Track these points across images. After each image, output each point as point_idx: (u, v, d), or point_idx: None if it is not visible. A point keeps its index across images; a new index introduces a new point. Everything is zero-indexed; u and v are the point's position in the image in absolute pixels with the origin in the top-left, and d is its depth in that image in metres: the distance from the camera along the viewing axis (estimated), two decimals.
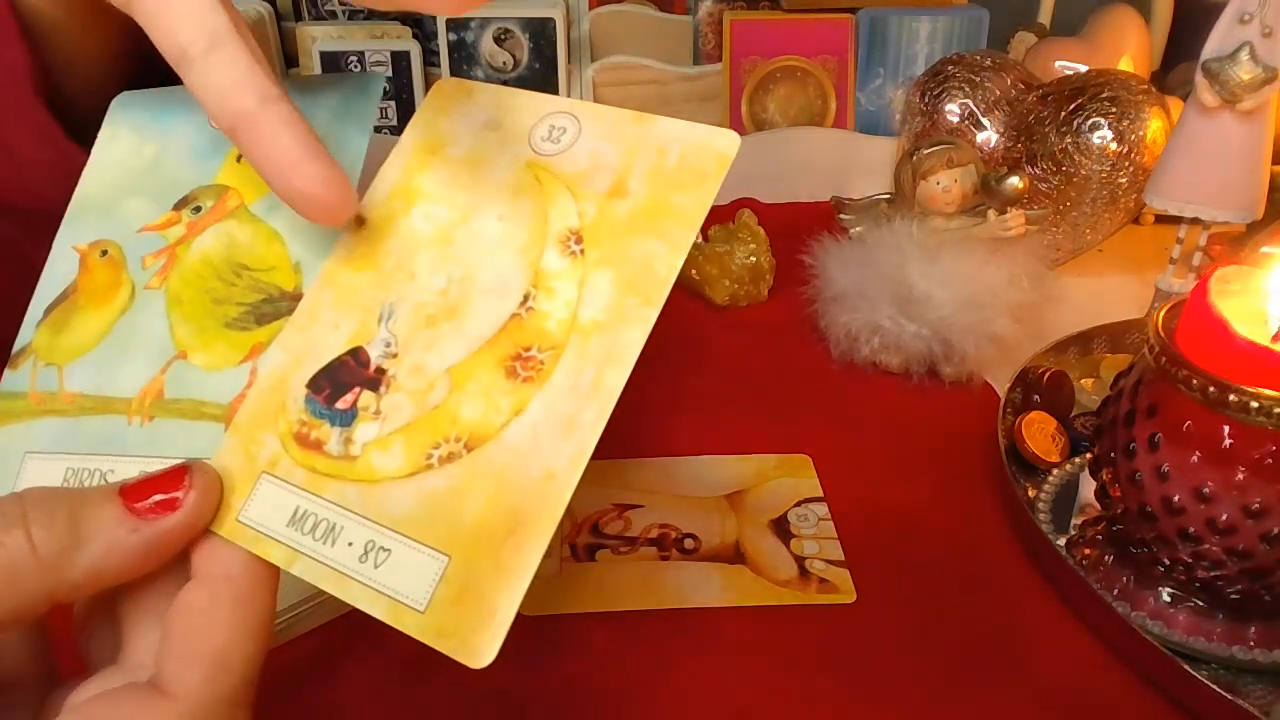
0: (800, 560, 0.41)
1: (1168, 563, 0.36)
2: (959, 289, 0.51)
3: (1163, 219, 0.69)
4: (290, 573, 0.21)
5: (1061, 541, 0.42)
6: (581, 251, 0.22)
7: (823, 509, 0.45)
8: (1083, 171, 0.60)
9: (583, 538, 0.43)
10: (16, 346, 0.26)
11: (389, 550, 0.20)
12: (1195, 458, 0.34)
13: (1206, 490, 0.33)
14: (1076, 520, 0.44)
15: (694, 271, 0.63)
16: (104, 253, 0.26)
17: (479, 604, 0.19)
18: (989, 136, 0.65)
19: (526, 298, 0.22)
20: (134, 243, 0.26)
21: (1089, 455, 0.43)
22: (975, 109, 0.66)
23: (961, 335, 0.52)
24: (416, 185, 0.25)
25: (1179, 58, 0.82)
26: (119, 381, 0.25)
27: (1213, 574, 0.35)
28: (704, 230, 0.64)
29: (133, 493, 0.20)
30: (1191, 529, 0.34)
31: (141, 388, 0.24)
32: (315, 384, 0.23)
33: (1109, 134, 0.60)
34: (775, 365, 0.57)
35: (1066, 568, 0.39)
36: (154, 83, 0.28)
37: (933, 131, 0.66)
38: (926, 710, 0.35)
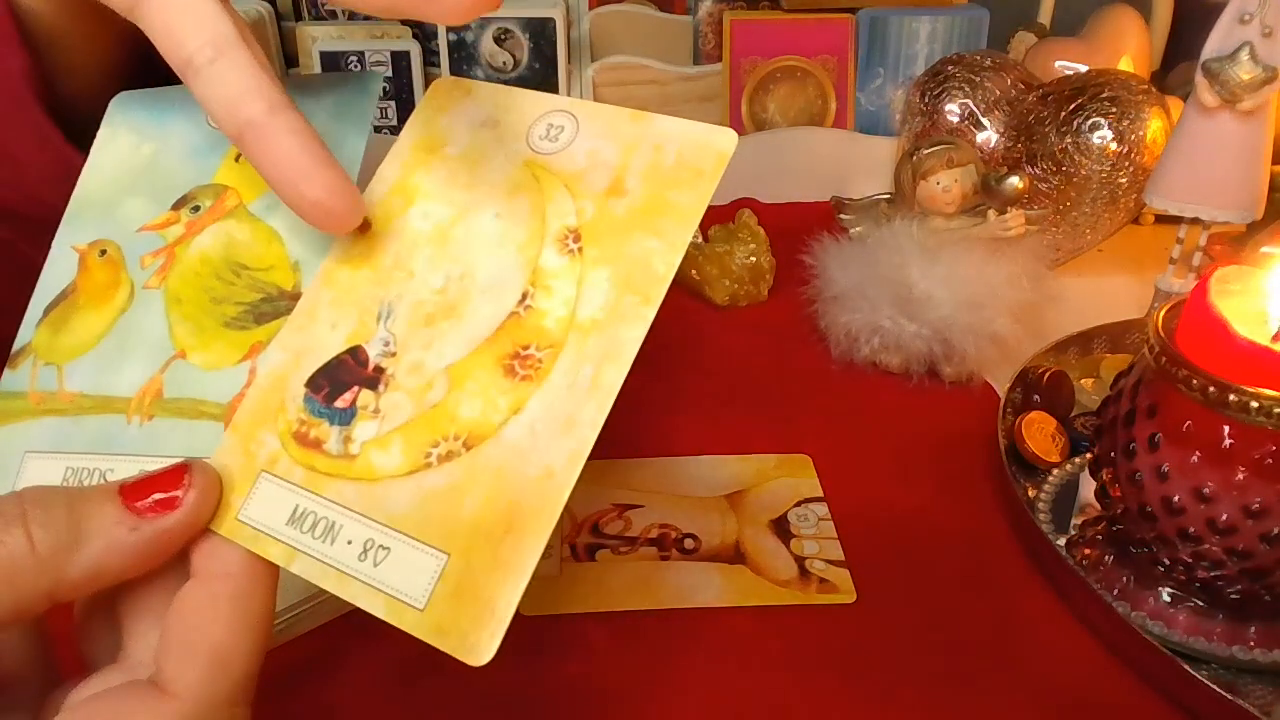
0: (800, 560, 0.41)
1: (1168, 563, 0.36)
2: (959, 289, 0.51)
3: (1163, 219, 0.69)
4: (290, 571, 0.21)
5: (1061, 541, 0.42)
6: (579, 250, 0.22)
7: (823, 509, 0.45)
8: (1083, 171, 0.60)
9: (583, 538, 0.43)
10: (16, 346, 0.26)
11: (388, 548, 0.21)
12: (1195, 458, 0.34)
13: (1206, 490, 0.33)
14: (1076, 520, 0.44)
15: (694, 271, 0.63)
16: (103, 252, 0.26)
17: (478, 602, 0.19)
18: (989, 136, 0.65)
19: (525, 296, 0.22)
20: (133, 242, 0.26)
21: (1089, 455, 0.43)
22: (975, 109, 0.66)
23: (961, 335, 0.52)
24: (415, 184, 0.25)
25: (1179, 58, 0.82)
26: (118, 381, 0.25)
27: (1213, 574, 0.35)
28: (704, 230, 0.65)
29: (132, 491, 0.20)
30: (1191, 529, 0.34)
31: (141, 387, 0.24)
32: (314, 383, 0.23)
33: (1109, 134, 0.60)
34: (775, 365, 0.57)
35: (1066, 568, 0.39)
36: (153, 84, 0.28)
37: (933, 131, 0.66)
38: (926, 710, 0.35)
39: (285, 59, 0.84)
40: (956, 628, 0.38)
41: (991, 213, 0.54)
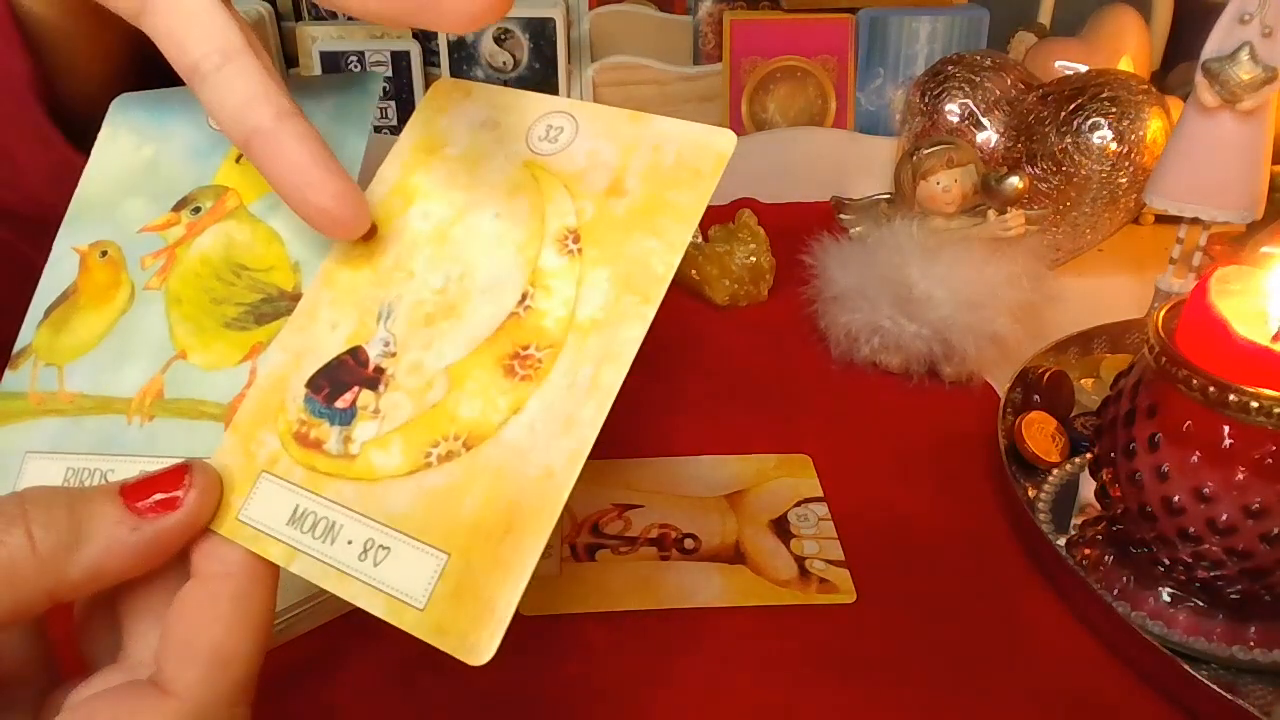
0: (800, 560, 0.41)
1: (1168, 563, 0.36)
2: (959, 289, 0.52)
3: (1163, 219, 0.69)
4: (290, 571, 0.21)
5: (1061, 541, 0.42)
6: (579, 250, 0.22)
7: (823, 509, 0.45)
8: (1083, 171, 0.60)
9: (583, 538, 0.43)
10: (17, 347, 0.26)
11: (388, 548, 0.21)
12: (1195, 458, 0.34)
13: (1206, 490, 0.33)
14: (1076, 520, 0.44)
15: (694, 271, 0.63)
16: (104, 253, 0.26)
17: (478, 601, 0.19)
18: (989, 136, 0.65)
19: (524, 296, 0.22)
20: (134, 243, 0.26)
21: (1089, 455, 0.43)
22: (975, 109, 0.66)
23: (961, 335, 0.52)
24: (414, 184, 0.25)
25: (1179, 58, 0.82)
26: (119, 381, 0.25)
27: (1213, 574, 0.35)
28: (704, 230, 0.65)
29: (133, 492, 0.20)
30: (1191, 529, 0.34)
31: (141, 387, 0.24)
32: (314, 383, 0.23)
33: (1109, 134, 0.60)
34: (775, 365, 0.57)
35: (1066, 568, 0.39)
36: (154, 85, 0.28)
37: (933, 131, 0.66)
38: (926, 710, 0.35)
39: (285, 59, 0.84)
40: (956, 627, 0.38)
41: (991, 213, 0.54)
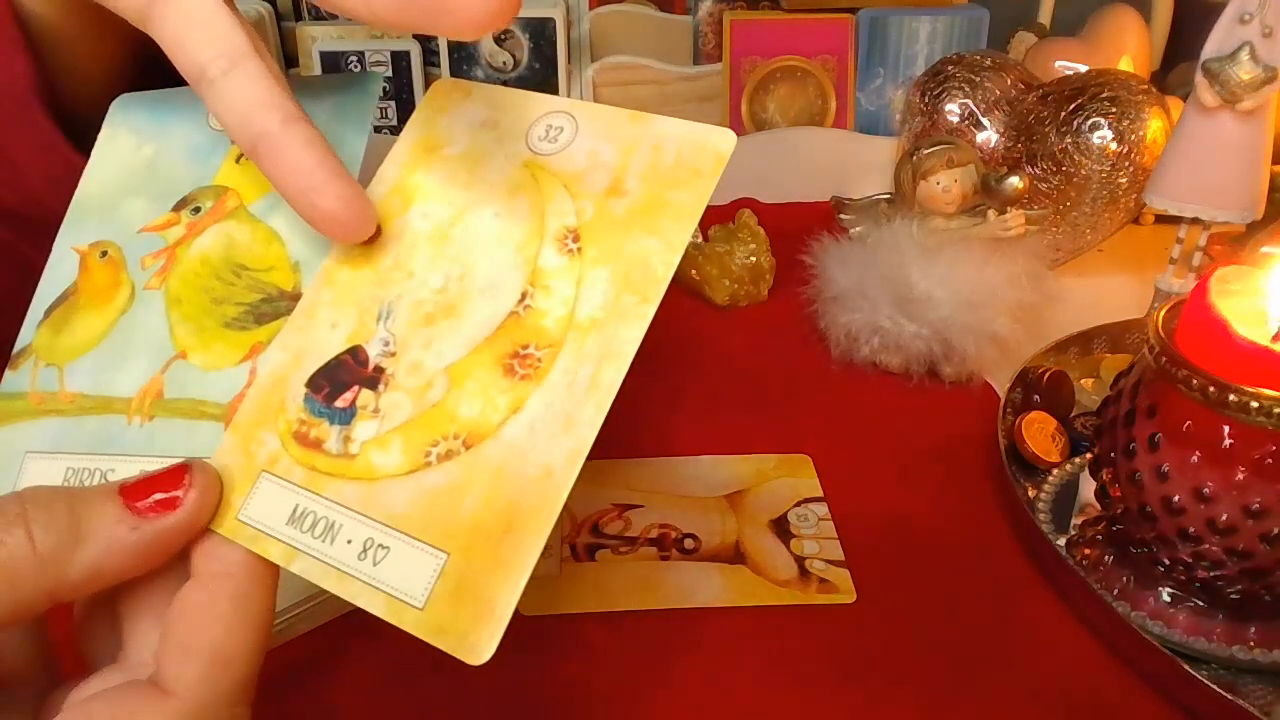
0: (800, 560, 0.41)
1: (1168, 563, 0.36)
2: (959, 289, 0.52)
3: (1163, 219, 0.69)
4: (289, 570, 0.21)
5: (1061, 541, 0.42)
6: (579, 249, 0.22)
7: (823, 509, 0.45)
8: (1083, 171, 0.60)
9: (583, 538, 0.43)
10: (17, 347, 0.26)
11: (388, 548, 0.21)
12: (1195, 458, 0.34)
13: (1206, 490, 0.33)
14: (1076, 520, 0.44)
15: (694, 271, 0.63)
16: (104, 253, 0.27)
17: (477, 601, 0.19)
18: (989, 136, 0.65)
19: (524, 296, 0.22)
20: (134, 243, 0.26)
21: (1089, 455, 0.43)
22: (975, 109, 0.66)
23: (961, 335, 0.52)
24: (414, 184, 0.25)
25: (1179, 58, 0.82)
26: (119, 381, 0.25)
27: (1213, 574, 0.35)
28: (704, 230, 0.65)
29: (133, 491, 0.20)
30: (1191, 529, 0.34)
31: (141, 387, 0.24)
32: (314, 383, 0.23)
33: (1109, 134, 0.60)
34: (775, 365, 0.57)
35: (1066, 568, 0.39)
36: (156, 86, 0.28)
37: (933, 131, 0.66)
38: (926, 710, 0.35)
39: (285, 59, 0.84)
40: (956, 627, 0.38)
41: (991, 213, 0.54)
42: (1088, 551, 0.41)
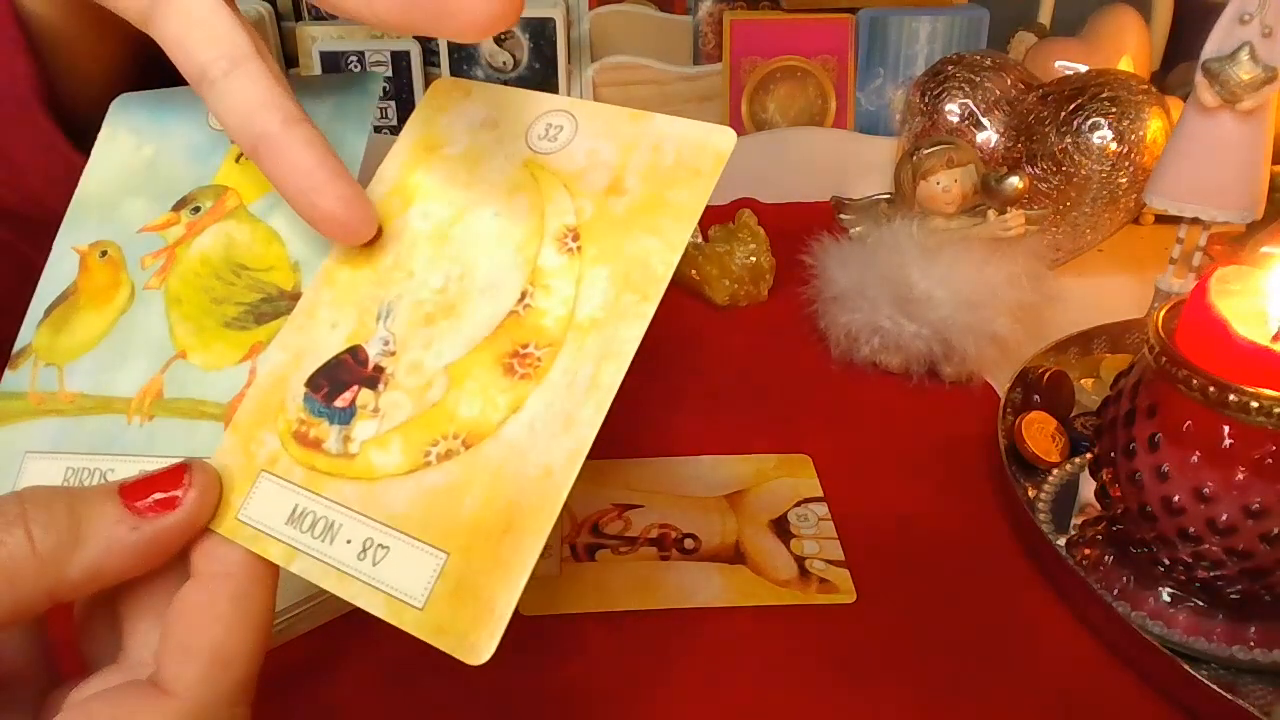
0: (800, 560, 0.41)
1: (1168, 563, 0.36)
2: (959, 289, 0.52)
3: (1163, 219, 0.69)
4: (289, 570, 0.21)
5: (1061, 541, 0.42)
6: (579, 249, 0.22)
7: (823, 509, 0.45)
8: (1083, 171, 0.60)
9: (583, 538, 0.43)
10: (17, 347, 0.26)
11: (387, 547, 0.21)
12: (1195, 458, 0.34)
13: (1206, 490, 0.33)
14: (1076, 520, 0.44)
15: (694, 271, 0.63)
16: (104, 253, 0.26)
17: (477, 600, 0.19)
18: (989, 136, 0.65)
19: (524, 295, 0.22)
20: (133, 243, 0.26)
21: (1089, 455, 0.43)
22: (975, 109, 0.66)
23: (961, 335, 0.52)
24: (414, 184, 0.25)
25: (1179, 58, 0.82)
26: (119, 381, 0.25)
27: (1213, 574, 0.35)
28: (704, 230, 0.65)
29: (132, 491, 0.20)
30: (1191, 529, 0.34)
31: (141, 387, 0.24)
32: (314, 382, 0.23)
33: (1109, 134, 0.60)
34: (775, 365, 0.57)
35: (1066, 568, 0.39)
36: (156, 86, 0.28)
37: (933, 131, 0.66)
38: (926, 710, 0.35)
39: (285, 59, 0.84)
40: (956, 627, 0.38)
41: (991, 213, 0.54)
42: (1088, 551, 0.41)
